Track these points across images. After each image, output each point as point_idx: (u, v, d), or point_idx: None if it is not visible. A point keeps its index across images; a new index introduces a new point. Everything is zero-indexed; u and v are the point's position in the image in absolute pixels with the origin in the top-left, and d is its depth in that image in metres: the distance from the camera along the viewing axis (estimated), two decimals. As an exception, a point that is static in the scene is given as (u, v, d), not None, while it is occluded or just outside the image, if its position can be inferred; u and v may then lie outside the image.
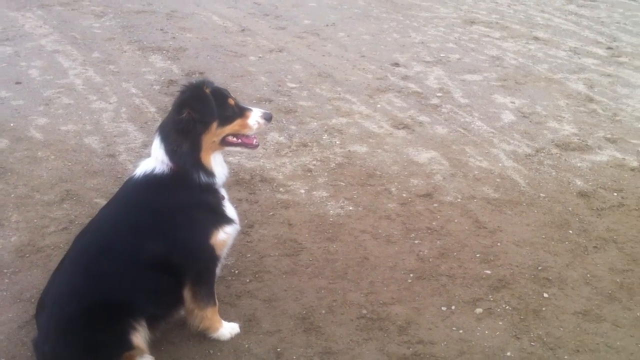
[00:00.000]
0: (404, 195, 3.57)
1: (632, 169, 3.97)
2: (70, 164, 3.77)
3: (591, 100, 5.06)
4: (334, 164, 3.86)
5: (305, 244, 3.09)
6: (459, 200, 3.56)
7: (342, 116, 4.55)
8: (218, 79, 4.89)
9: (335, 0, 7.76)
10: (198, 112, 2.27)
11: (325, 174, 3.75)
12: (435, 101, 4.90)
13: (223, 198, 2.44)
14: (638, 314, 2.71)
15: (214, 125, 2.32)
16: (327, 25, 6.79)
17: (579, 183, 3.78)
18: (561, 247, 3.16)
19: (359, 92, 5.01)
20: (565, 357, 2.45)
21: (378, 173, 3.79)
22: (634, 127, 4.59)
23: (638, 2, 8.38)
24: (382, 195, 3.55)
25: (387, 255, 3.04)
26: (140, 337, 2.24)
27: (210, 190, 2.39)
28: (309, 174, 3.74)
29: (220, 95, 2.38)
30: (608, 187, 3.75)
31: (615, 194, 3.68)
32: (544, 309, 2.72)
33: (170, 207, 2.33)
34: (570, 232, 3.29)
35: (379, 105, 4.76)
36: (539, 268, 2.99)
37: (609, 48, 6.42)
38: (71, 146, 3.98)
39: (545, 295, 2.81)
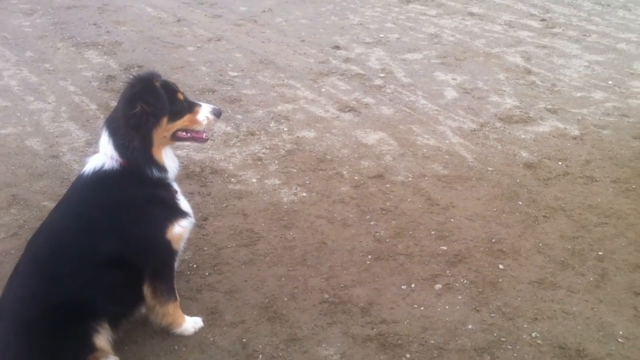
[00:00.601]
0: (356, 177, 3.59)
1: (574, 138, 4.09)
2: (13, 167, 3.66)
3: (529, 72, 5.18)
4: (283, 151, 3.85)
5: (261, 233, 3.09)
6: (410, 179, 3.61)
7: (287, 102, 4.53)
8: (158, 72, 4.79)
9: (270, -15, 7.69)
10: (151, 105, 2.23)
11: (276, 161, 3.74)
12: (378, 82, 4.93)
13: (176, 192, 2.41)
14: (591, 278, 2.81)
15: (165, 120, 2.28)
16: (264, 11, 6.74)
17: (525, 155, 3.88)
18: (512, 218, 3.25)
19: (302, 77, 5.00)
20: (525, 325, 2.52)
21: (328, 157, 3.80)
22: (573, 96, 4.72)
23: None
24: (334, 180, 3.57)
25: (344, 238, 3.06)
26: (102, 338, 2.21)
27: (163, 185, 2.35)
28: (259, 163, 3.72)
29: (170, 89, 2.34)
30: (552, 156, 3.86)
31: (560, 163, 3.79)
32: (500, 280, 2.79)
33: (123, 203, 2.28)
34: (520, 203, 3.38)
35: (323, 90, 4.77)
36: (493, 240, 3.06)
37: (543, 20, 6.58)
38: (13, 149, 3.85)
39: (501, 266, 2.88)
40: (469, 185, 3.55)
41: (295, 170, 3.65)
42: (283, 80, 4.93)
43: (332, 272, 2.83)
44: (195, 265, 2.86)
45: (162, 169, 2.32)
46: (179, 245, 2.40)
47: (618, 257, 2.95)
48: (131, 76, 2.32)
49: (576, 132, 4.16)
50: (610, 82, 4.98)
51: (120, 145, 2.24)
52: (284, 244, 3.01)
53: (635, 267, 2.87)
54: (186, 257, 2.87)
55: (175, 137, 2.37)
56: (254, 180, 3.55)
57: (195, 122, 2.40)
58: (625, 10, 6.93)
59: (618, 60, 5.47)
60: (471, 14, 6.75)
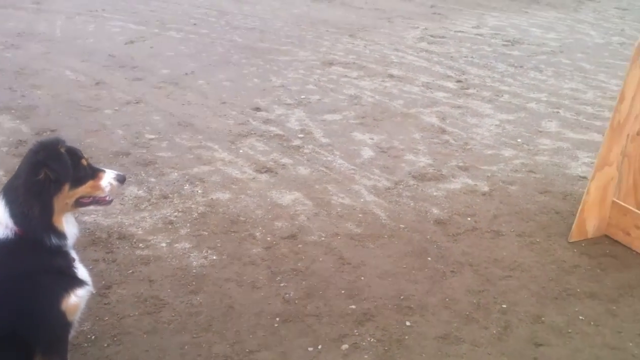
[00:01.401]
0: (269, 238, 3.61)
1: (483, 194, 4.23)
2: None
3: (444, 131, 5.37)
4: (196, 214, 3.85)
5: (167, 299, 3.05)
6: (323, 238, 3.64)
7: (203, 164, 4.55)
8: (71, 136, 4.76)
9: (193, 48, 7.80)
10: (55, 172, 2.20)
11: (188, 224, 3.73)
12: (297, 142, 5.01)
13: (74, 260, 2.37)
14: (494, 331, 2.87)
15: (67, 186, 2.26)
16: (186, 73, 6.80)
17: (436, 211, 3.98)
18: (421, 274, 3.31)
19: (220, 138, 5.04)
20: (428, 382, 2.55)
21: (242, 219, 3.81)
22: (484, 154, 4.91)
23: (484, 37, 9.02)
24: (246, 241, 3.57)
25: (253, 301, 3.05)
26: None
27: (60, 253, 2.31)
28: (170, 227, 3.70)
29: (74, 155, 2.33)
30: (462, 212, 3.98)
31: (469, 218, 3.90)
32: (406, 337, 2.82)
33: (15, 275, 2.22)
34: (429, 259, 3.45)
35: (241, 151, 4.81)
36: (401, 297, 3.11)
37: (459, 81, 6.86)
38: None
39: (408, 323, 2.92)
40: (380, 243, 3.61)
41: (206, 233, 3.64)
42: (201, 142, 4.96)
43: (238, 337, 2.81)
44: (94, 337, 2.79)
45: (61, 236, 2.28)
46: (75, 316, 2.33)
47: (520, 309, 3.03)
48: (35, 142, 2.30)
49: (486, 189, 4.31)
50: (519, 140, 5.20)
51: (18, 213, 2.20)
52: (190, 310, 2.97)
53: (536, 319, 2.96)
54: (84, 328, 2.80)
55: (77, 203, 2.35)
56: (164, 244, 3.52)
57: (98, 188, 2.38)
58: (536, 72, 7.30)
59: (528, 118, 5.73)
60: (391, 76, 6.98)
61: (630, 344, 2.82)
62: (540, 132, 5.41)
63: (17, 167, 2.27)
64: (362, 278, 3.27)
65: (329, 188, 4.28)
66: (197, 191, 4.14)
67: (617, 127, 3.50)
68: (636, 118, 3.53)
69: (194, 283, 3.18)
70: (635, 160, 3.67)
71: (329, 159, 4.75)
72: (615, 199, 3.66)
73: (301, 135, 5.17)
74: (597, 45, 8.66)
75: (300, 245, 3.56)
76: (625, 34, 9.44)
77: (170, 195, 4.07)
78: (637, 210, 3.61)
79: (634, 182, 3.73)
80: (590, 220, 3.66)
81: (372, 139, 5.17)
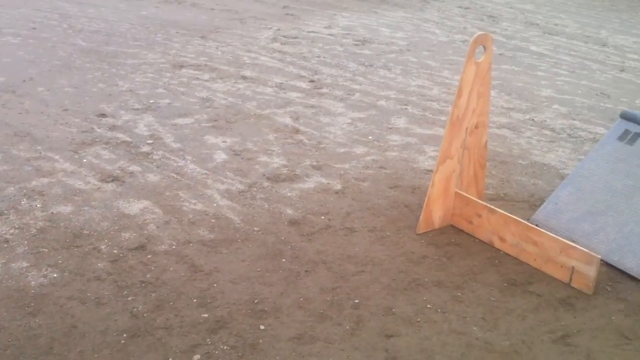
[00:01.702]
0: (115, 251, 3.48)
1: (336, 192, 4.33)
2: None
3: (297, 131, 5.44)
4: (34, 230, 3.64)
5: (3, 323, 2.86)
6: (174, 247, 3.57)
7: (43, 176, 4.32)
8: None
9: (32, 54, 7.39)
10: None
11: (25, 242, 3.52)
12: (146, 149, 4.88)
13: None
14: (347, 327, 2.94)
15: None
16: (25, 80, 6.43)
17: (290, 212, 4.02)
18: (275, 276, 3.33)
19: (62, 148, 4.80)
20: (282, 384, 2.57)
21: (86, 232, 3.65)
22: (336, 152, 5.02)
23: (335, 37, 9.23)
24: (90, 256, 3.43)
25: (98, 318, 2.93)
26: None
27: None
28: (5, 246, 3.48)
29: None
30: (315, 211, 4.04)
31: (323, 217, 3.98)
32: (260, 341, 2.82)
33: None
34: (284, 260, 3.48)
35: (85, 160, 4.62)
36: (255, 301, 3.11)
37: (311, 81, 6.97)
38: None
39: (262, 327, 2.92)
40: (234, 248, 3.59)
41: (46, 250, 3.45)
42: (40, 152, 4.70)
43: (81, 358, 2.68)
44: None
45: None
46: None
47: (372, 302, 3.13)
48: None
49: (338, 187, 4.41)
50: (370, 137, 5.37)
51: None
52: (28, 333, 2.81)
53: (387, 311, 3.06)
54: None
55: None
56: (-2, 264, 3.30)
57: None
58: (386, 70, 7.57)
59: (378, 116, 5.93)
60: (244, 78, 6.97)
61: (475, 328, 2.98)
62: (390, 128, 5.62)
63: None
64: (215, 285, 3.24)
65: (180, 194, 4.20)
66: (36, 205, 3.93)
67: (456, 122, 3.70)
68: (473, 112, 3.75)
69: (32, 304, 3.00)
70: (474, 152, 3.89)
71: (180, 164, 4.67)
72: (457, 190, 3.87)
73: (150, 141, 5.05)
74: (442, 43, 9.12)
75: (149, 256, 3.47)
76: (467, 32, 10.01)
77: (5, 212, 3.82)
78: (478, 200, 3.84)
79: (475, 174, 3.96)
80: (436, 211, 3.84)
81: (225, 141, 5.14)
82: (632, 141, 3.82)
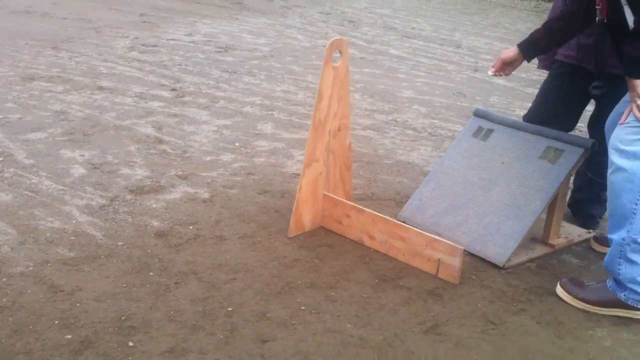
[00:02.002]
0: (-36, 277, 3.26)
1: (204, 201, 4.28)
2: None
3: (161, 141, 5.33)
4: None
5: None
6: (30, 268, 3.39)
7: None
8: None
9: None
10: None
11: None
12: (-5, 167, 4.61)
13: None
14: (221, 336, 2.91)
15: None
16: None
17: (156, 224, 3.93)
18: (143, 291, 3.24)
19: None
20: (154, 400, 2.50)
21: None
22: (202, 160, 4.97)
23: (197, 44, 9.15)
24: None
25: (-53, 349, 2.73)
26: None
27: None
28: None
29: None
30: (183, 222, 3.98)
31: (191, 227, 3.92)
32: (130, 358, 2.74)
33: None
34: (151, 274, 3.40)
35: None
36: (123, 318, 3.01)
37: (174, 89, 6.87)
38: None
39: (131, 344, 2.83)
40: (97, 265, 3.46)
41: None
42: None
43: None
44: None
45: None
46: None
47: (246, 309, 3.12)
48: None
49: (206, 195, 4.36)
50: (237, 144, 5.37)
51: None
52: None
53: (261, 316, 3.07)
54: None
55: None
56: None
57: None
58: (250, 76, 7.60)
59: (244, 122, 5.93)
60: (101, 88, 6.76)
61: (349, 325, 3.05)
62: (257, 134, 5.64)
63: None
64: (78, 304, 3.10)
65: (35, 212, 4.00)
66: None
67: (319, 125, 3.77)
68: (335, 115, 3.84)
69: None
70: (339, 154, 3.99)
71: (34, 181, 4.44)
72: (325, 192, 3.94)
73: (0, 159, 4.77)
74: (305, 48, 9.28)
75: (4, 279, 3.27)
76: (329, 37, 10.24)
77: None
78: (346, 201, 3.93)
79: (341, 175, 4.05)
80: (306, 214, 3.89)
81: (83, 155, 4.95)
82: (485, 137, 4.06)
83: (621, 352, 2.95)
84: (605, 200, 4.00)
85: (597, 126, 3.82)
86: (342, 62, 3.79)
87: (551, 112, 4.01)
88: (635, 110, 3.01)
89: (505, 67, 3.83)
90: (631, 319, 3.20)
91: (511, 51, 3.78)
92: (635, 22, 2.96)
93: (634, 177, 2.98)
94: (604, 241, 3.80)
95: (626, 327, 3.14)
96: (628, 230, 3.06)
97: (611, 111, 3.41)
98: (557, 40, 3.67)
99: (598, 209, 4.21)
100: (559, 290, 3.37)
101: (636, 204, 3.00)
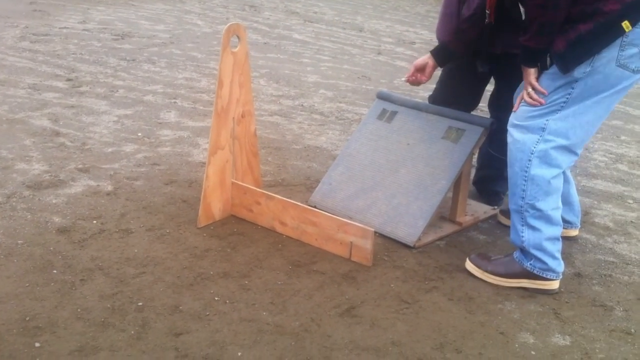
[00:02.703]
0: None
1: (108, 193, 4.19)
2: None
3: (58, 134, 5.16)
4: None
5: None
6: None
7: None
8: None
9: None
10: None
11: None
12: None
13: None
14: (132, 332, 2.87)
15: None
16: None
17: (57, 220, 3.82)
18: (47, 290, 3.15)
19: None
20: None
21: None
22: (104, 152, 4.85)
23: (91, 32, 8.87)
24: None
25: None
26: None
27: None
28: None
29: None
30: (87, 216, 3.88)
31: (95, 221, 3.83)
32: (37, 359, 2.66)
33: None
34: (55, 271, 3.30)
35: None
36: (27, 319, 2.91)
37: (69, 79, 6.65)
38: None
39: (37, 344, 2.75)
40: (-4, 265, 3.33)
41: None
42: None
43: None
44: None
45: None
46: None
47: (157, 302, 3.09)
48: None
49: (109, 188, 4.27)
50: (140, 134, 5.26)
51: None
52: None
53: (174, 309, 3.04)
54: None
55: None
56: None
57: None
58: (150, 64, 7.44)
59: (146, 111, 5.82)
60: (-10, 80, 6.45)
61: (264, 313, 3.07)
62: (160, 123, 5.55)
63: None
64: (-22, 307, 2.98)
65: None
66: None
67: (222, 112, 3.75)
68: (238, 102, 3.83)
69: None
70: (245, 141, 3.99)
71: None
72: (234, 180, 3.94)
73: None
74: (205, 34, 9.17)
75: None
76: (230, 22, 10.15)
77: None
78: (255, 188, 3.94)
79: (248, 162, 4.05)
80: (215, 203, 3.88)
81: (-26, 151, 4.73)
82: (390, 119, 4.16)
83: (530, 324, 3.11)
84: (506, 176, 4.17)
85: (497, 104, 4.00)
86: (241, 47, 3.78)
87: (453, 93, 4.15)
88: (526, 96, 3.21)
89: (419, 74, 3.95)
90: (537, 290, 3.37)
91: (423, 59, 3.92)
92: (524, 13, 3.13)
93: (524, 147, 3.19)
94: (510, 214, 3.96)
95: (533, 300, 3.31)
96: (522, 197, 3.25)
97: (508, 89, 3.59)
98: (465, 41, 3.76)
99: (502, 185, 4.37)
100: (469, 265, 3.52)
101: (526, 172, 3.20)
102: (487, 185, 4.46)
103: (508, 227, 3.67)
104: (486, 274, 3.44)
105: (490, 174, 4.41)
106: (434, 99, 4.25)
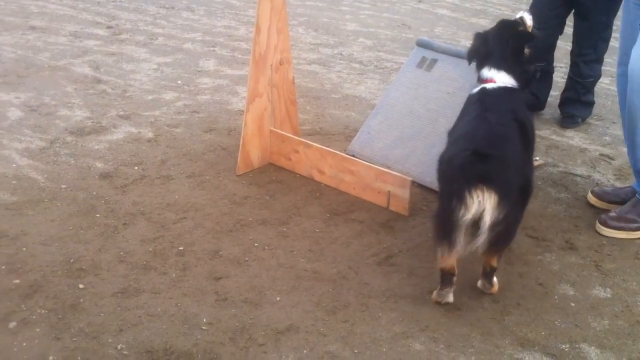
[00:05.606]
0: None
1: (148, 140, 4.21)
2: None
3: (99, 81, 5.19)
4: None
5: None
6: (-30, 215, 3.30)
7: None
8: None
9: None
10: None
11: None
12: None
13: None
14: (173, 275, 2.91)
15: None
16: None
17: (100, 165, 3.86)
18: (91, 233, 3.20)
19: None
20: (110, 340, 2.50)
21: None
22: (144, 99, 4.86)
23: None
24: None
25: None
26: None
27: None
28: None
29: None
30: (128, 162, 3.91)
31: (136, 167, 3.86)
32: (81, 300, 2.72)
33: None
34: (98, 215, 3.35)
35: None
36: (71, 261, 2.97)
37: (109, 27, 6.65)
38: None
39: (81, 286, 2.81)
40: (41, 208, 3.40)
41: None
42: None
43: None
44: None
45: None
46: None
47: (197, 247, 3.12)
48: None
49: (150, 135, 4.29)
50: (179, 82, 5.26)
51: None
52: None
53: (213, 254, 3.07)
54: None
55: None
56: None
57: None
58: (189, 12, 7.40)
59: (185, 59, 5.80)
60: (33, 28, 6.50)
61: (302, 260, 3.08)
62: (199, 71, 5.53)
63: None
64: (24, 249, 3.05)
65: (-29, 158, 3.88)
66: None
67: (259, 59, 3.72)
68: (275, 48, 3.78)
69: None
70: (283, 89, 3.95)
71: (-32, 125, 4.29)
72: (272, 128, 3.92)
73: None
74: (245, -18, 9.05)
75: (-57, 227, 3.18)
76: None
77: None
78: (293, 136, 3.92)
79: (287, 110, 4.02)
80: (253, 151, 3.87)
81: (19, 97, 4.79)
82: (429, 67, 4.07)
83: (569, 276, 3.07)
84: (586, 102, 4.70)
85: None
86: (279, -7, 3.72)
87: (541, 18, 4.31)
88: None
89: None
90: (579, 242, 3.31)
91: None
92: None
93: None
94: (603, 195, 3.71)
95: (574, 252, 3.26)
96: None
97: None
98: None
99: (579, 108, 4.74)
100: (606, 231, 3.40)
101: None
102: (563, 108, 4.79)
103: (595, 207, 3.63)
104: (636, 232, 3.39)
105: (569, 96, 4.75)
106: None
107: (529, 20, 3.24)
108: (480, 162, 2.49)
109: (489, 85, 2.99)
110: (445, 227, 2.53)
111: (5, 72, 5.26)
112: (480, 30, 3.25)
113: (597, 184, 3.91)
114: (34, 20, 6.76)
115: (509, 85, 2.99)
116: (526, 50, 3.09)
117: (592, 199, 3.69)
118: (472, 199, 2.43)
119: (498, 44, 3.08)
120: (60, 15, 6.99)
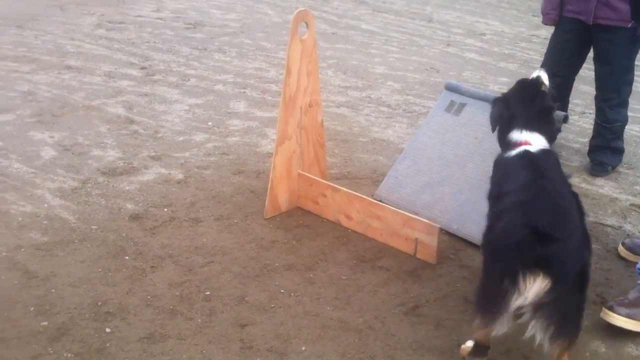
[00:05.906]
0: None
1: (178, 182, 4.24)
2: None
3: (132, 121, 5.25)
4: None
5: None
6: (4, 254, 3.35)
7: None
8: None
9: None
10: None
11: None
12: (-39, 150, 4.51)
13: None
14: (199, 320, 2.90)
15: None
16: None
17: (130, 206, 3.89)
18: (119, 275, 3.21)
19: None
20: (134, 387, 2.49)
21: None
22: (175, 141, 4.91)
23: (165, 21, 8.99)
24: None
25: None
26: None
27: None
28: None
29: None
30: (158, 204, 3.94)
31: (166, 209, 3.88)
32: (108, 345, 2.72)
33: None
34: (127, 257, 3.37)
35: None
36: (99, 304, 2.98)
37: (143, 68, 6.76)
38: None
39: (108, 330, 2.81)
40: (71, 249, 3.42)
41: None
42: None
43: None
44: None
45: None
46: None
47: (224, 292, 3.11)
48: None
49: (180, 176, 4.32)
50: (210, 123, 5.31)
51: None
52: None
53: (240, 300, 3.06)
54: None
55: None
56: None
57: None
58: (220, 54, 7.50)
59: (216, 101, 5.87)
60: (68, 67, 6.62)
61: (329, 308, 3.05)
62: (230, 113, 5.59)
63: None
64: (53, 290, 3.07)
65: (6, 197, 3.93)
66: None
67: (289, 101, 3.74)
68: (305, 90, 3.81)
69: None
70: (312, 132, 3.96)
71: (3, 164, 4.36)
72: (300, 171, 3.93)
73: (-34, 141, 4.67)
74: (275, 24, 9.17)
75: (-24, 267, 3.22)
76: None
77: None
78: (321, 180, 3.92)
79: (315, 153, 4.03)
80: (281, 194, 3.88)
81: (53, 137, 4.86)
82: (458, 112, 4.05)
83: (600, 332, 2.99)
84: (615, 149, 4.61)
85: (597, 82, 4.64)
86: (310, 35, 3.75)
87: (560, 64, 4.56)
88: None
89: None
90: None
91: None
92: None
93: None
94: (634, 248, 3.56)
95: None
96: None
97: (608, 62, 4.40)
98: None
99: (609, 156, 4.65)
100: (618, 320, 2.93)
101: None
102: (593, 155, 4.71)
103: (627, 261, 3.53)
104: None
105: (597, 144, 4.68)
106: (544, 62, 4.68)
107: (546, 80, 3.13)
108: (540, 244, 2.25)
109: (531, 148, 2.79)
110: (492, 307, 2.36)
111: (41, 111, 5.35)
112: (499, 94, 3.21)
113: (628, 235, 3.84)
114: (70, 59, 6.90)
115: (548, 148, 2.83)
116: (555, 112, 3.04)
117: (623, 251, 3.60)
118: (526, 283, 2.23)
119: (524, 105, 2.94)
120: (96, 55, 7.13)
